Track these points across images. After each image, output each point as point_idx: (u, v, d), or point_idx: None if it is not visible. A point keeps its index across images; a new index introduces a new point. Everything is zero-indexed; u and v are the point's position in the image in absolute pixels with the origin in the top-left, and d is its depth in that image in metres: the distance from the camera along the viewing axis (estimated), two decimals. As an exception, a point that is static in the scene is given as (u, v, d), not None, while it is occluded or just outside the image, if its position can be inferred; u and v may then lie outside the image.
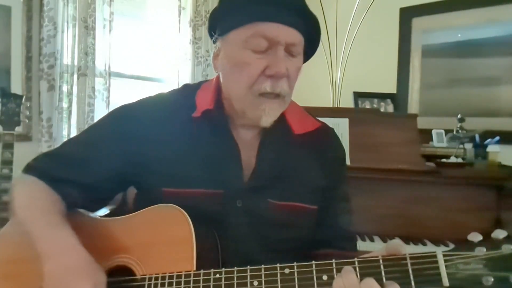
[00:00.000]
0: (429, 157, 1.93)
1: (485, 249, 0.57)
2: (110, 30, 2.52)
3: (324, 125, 0.99)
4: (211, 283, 0.70)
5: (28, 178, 0.87)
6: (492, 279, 0.55)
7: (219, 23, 0.87)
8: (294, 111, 0.95)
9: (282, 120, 0.91)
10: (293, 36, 0.81)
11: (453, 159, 1.88)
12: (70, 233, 0.77)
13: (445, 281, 0.58)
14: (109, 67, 2.53)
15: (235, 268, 0.70)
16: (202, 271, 0.72)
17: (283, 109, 0.87)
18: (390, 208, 1.74)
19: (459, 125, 2.01)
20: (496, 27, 2.50)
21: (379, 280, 0.62)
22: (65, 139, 2.31)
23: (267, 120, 0.84)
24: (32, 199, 0.83)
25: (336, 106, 2.53)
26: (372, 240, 1.67)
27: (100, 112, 2.46)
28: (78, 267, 0.71)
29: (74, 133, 2.38)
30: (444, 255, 0.59)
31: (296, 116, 0.94)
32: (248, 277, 0.69)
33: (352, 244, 0.98)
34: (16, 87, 2.18)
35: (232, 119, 0.89)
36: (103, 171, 0.88)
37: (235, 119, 0.89)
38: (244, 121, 0.88)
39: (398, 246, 0.64)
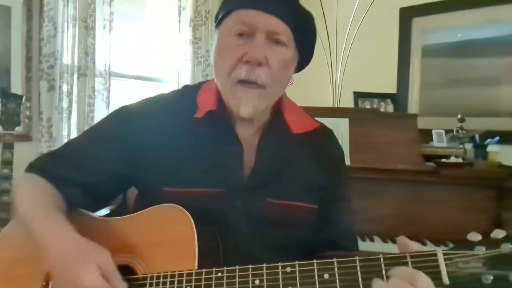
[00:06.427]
0: (429, 157, 1.93)
1: (484, 248, 0.57)
2: (110, 30, 2.53)
3: (323, 126, 0.99)
4: (213, 282, 0.70)
5: (30, 176, 0.88)
6: (492, 278, 0.55)
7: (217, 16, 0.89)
8: (292, 111, 0.94)
9: (280, 119, 0.92)
10: (274, 24, 0.81)
11: (453, 159, 1.87)
12: (64, 223, 0.77)
13: (445, 280, 0.58)
14: (109, 67, 2.53)
15: (237, 267, 0.70)
16: (204, 270, 0.72)
17: (267, 101, 0.86)
18: (390, 208, 1.74)
19: (459, 125, 2.01)
20: (496, 27, 2.51)
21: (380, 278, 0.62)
22: (65, 139, 2.32)
23: (245, 109, 0.82)
24: (32, 194, 0.84)
25: (336, 106, 2.52)
26: (372, 240, 1.67)
27: (100, 112, 2.46)
28: (75, 253, 0.71)
29: (74, 133, 2.39)
30: (444, 254, 0.59)
31: (295, 116, 0.94)
32: (250, 275, 0.69)
33: (354, 244, 0.98)
34: (16, 87, 2.19)
35: (233, 117, 0.89)
36: (104, 172, 0.88)
37: (233, 115, 0.88)
38: (237, 115, 0.87)
39: (405, 241, 0.65)
